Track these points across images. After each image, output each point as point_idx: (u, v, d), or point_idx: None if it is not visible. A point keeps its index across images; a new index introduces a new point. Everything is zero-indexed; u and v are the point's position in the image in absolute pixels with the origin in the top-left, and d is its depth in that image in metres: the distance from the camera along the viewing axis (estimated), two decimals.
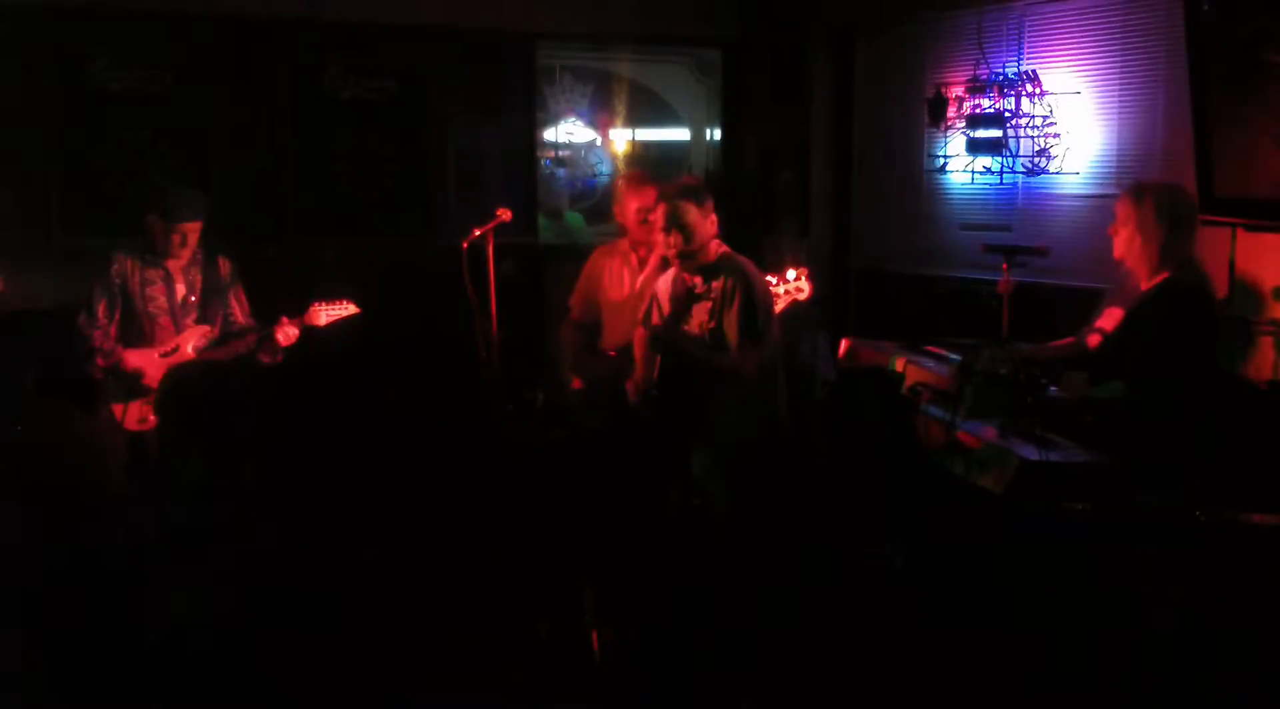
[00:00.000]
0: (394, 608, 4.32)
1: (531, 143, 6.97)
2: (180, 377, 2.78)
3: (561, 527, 4.53)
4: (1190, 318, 3.74)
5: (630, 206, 4.84)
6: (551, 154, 7.28)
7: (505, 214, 4.70)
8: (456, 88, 6.66)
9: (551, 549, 4.52)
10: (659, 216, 4.31)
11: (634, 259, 4.90)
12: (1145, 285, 3.85)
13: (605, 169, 7.42)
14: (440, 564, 4.79)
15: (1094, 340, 3.96)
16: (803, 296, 4.36)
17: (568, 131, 7.30)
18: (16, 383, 4.90)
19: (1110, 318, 3.93)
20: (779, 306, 4.36)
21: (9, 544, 2.76)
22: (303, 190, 6.42)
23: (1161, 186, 3.89)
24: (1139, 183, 3.96)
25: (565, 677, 3.97)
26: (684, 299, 4.37)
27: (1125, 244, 3.87)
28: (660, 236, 4.31)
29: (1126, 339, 3.81)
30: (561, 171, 7.34)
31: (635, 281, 4.85)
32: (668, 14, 7.03)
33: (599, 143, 7.40)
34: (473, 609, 4.43)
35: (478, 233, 4.69)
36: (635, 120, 7.42)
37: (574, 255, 7.11)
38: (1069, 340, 4.05)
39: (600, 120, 7.37)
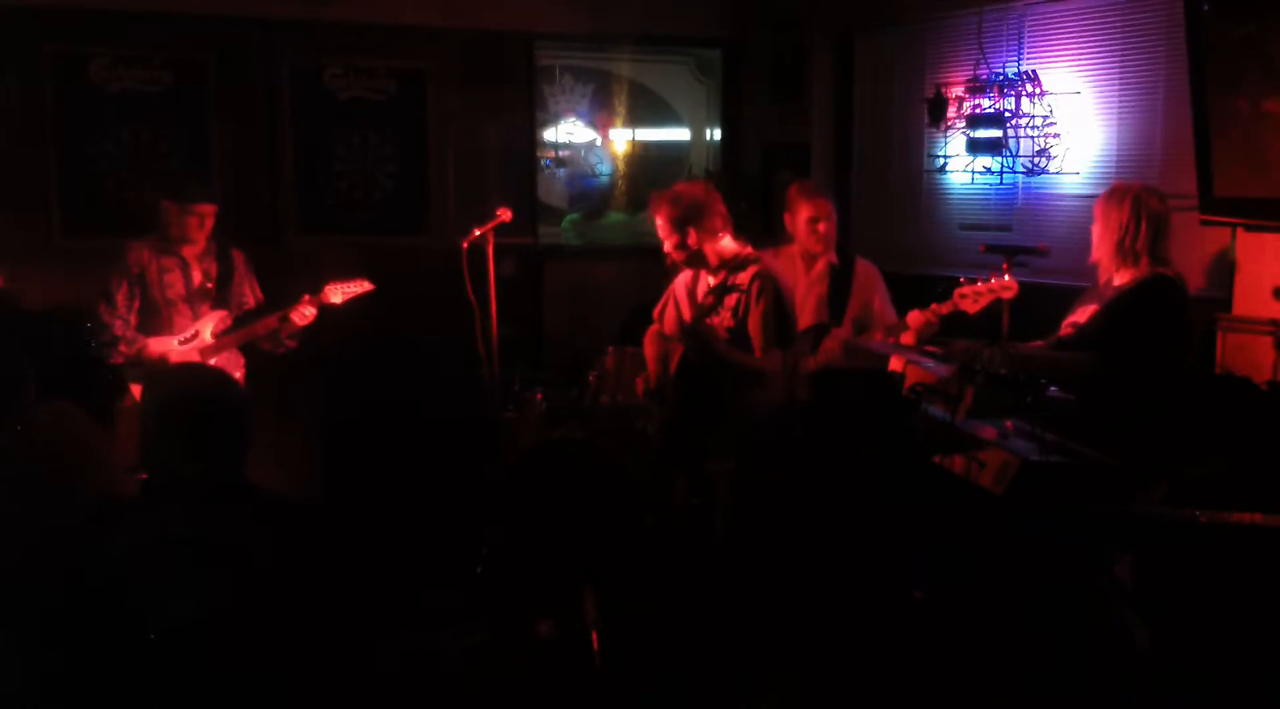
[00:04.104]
0: (393, 609, 4.32)
1: (531, 143, 6.97)
2: (164, 380, 2.78)
3: (560, 527, 4.53)
4: (1167, 308, 3.82)
5: (801, 217, 4.87)
6: (551, 154, 7.28)
7: (505, 214, 4.71)
8: (456, 88, 6.66)
9: (551, 549, 4.52)
10: (827, 225, 4.82)
11: (801, 264, 4.90)
12: (1119, 282, 3.91)
13: (605, 169, 7.43)
14: (440, 564, 4.79)
15: (1065, 332, 4.01)
16: (1008, 295, 4.15)
17: (568, 131, 7.30)
18: (17, 382, 4.90)
19: (1084, 314, 3.98)
20: (981, 304, 4.24)
21: (8, 544, 2.76)
22: (303, 190, 6.42)
23: (1136, 188, 3.94)
24: (1115, 185, 4.03)
25: (565, 677, 3.97)
26: (713, 296, 4.35)
27: (1098, 242, 3.94)
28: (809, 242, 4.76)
29: (1102, 330, 3.86)
30: (561, 171, 7.34)
31: (804, 285, 4.86)
32: (668, 14, 7.03)
33: (599, 143, 7.40)
34: (473, 609, 4.43)
35: (478, 233, 4.70)
36: (635, 120, 7.42)
37: (574, 255, 7.16)
38: (1039, 344, 4.07)
39: (600, 120, 7.37)
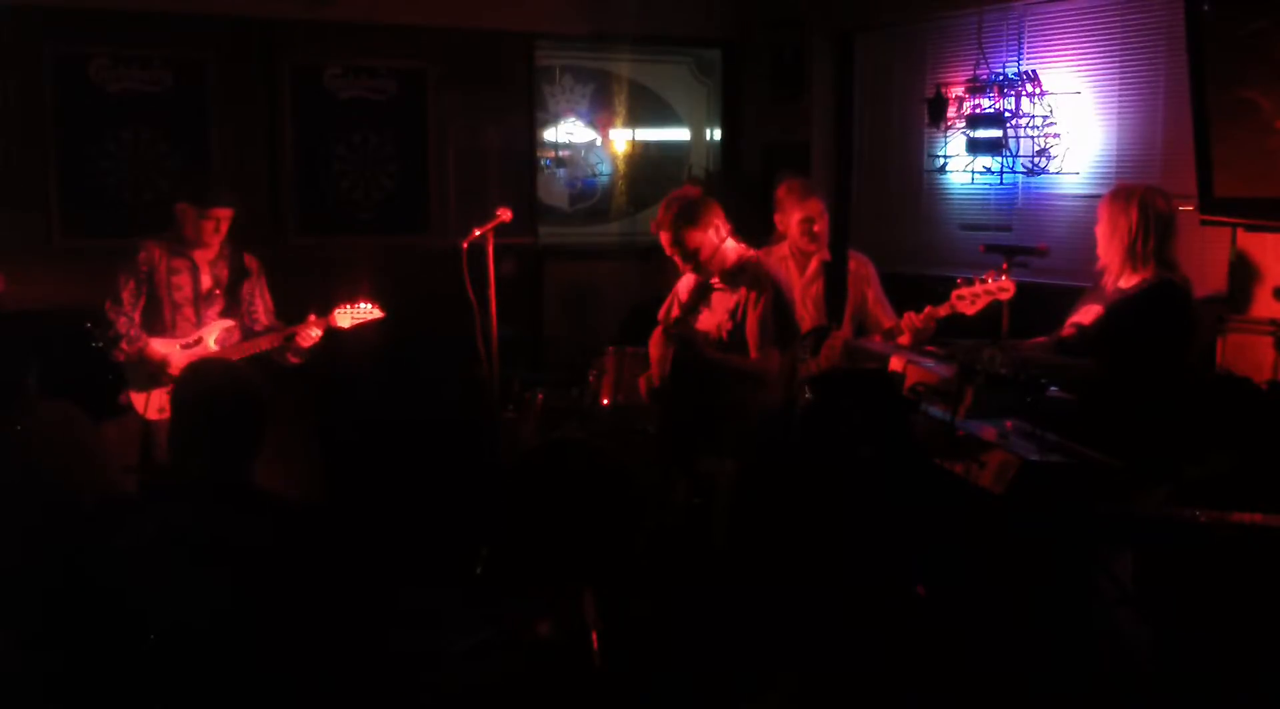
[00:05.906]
0: (393, 609, 4.32)
1: (531, 143, 6.97)
2: (200, 371, 2.78)
3: (561, 527, 4.53)
4: (1172, 314, 3.82)
5: (793, 218, 4.87)
6: (551, 154, 7.28)
7: (505, 214, 4.71)
8: (456, 88, 6.66)
9: (551, 549, 4.52)
10: (821, 225, 4.81)
11: (794, 263, 4.90)
12: (1125, 284, 3.91)
13: (605, 169, 7.42)
14: (440, 565, 4.79)
15: (1068, 332, 4.01)
16: (1005, 296, 4.18)
17: (568, 131, 7.30)
18: (17, 383, 4.90)
19: (1088, 314, 3.98)
20: (978, 306, 4.25)
21: (8, 544, 2.76)
22: (303, 190, 6.42)
23: (1141, 189, 3.94)
24: (1120, 186, 4.03)
25: (565, 677, 3.97)
26: (695, 296, 4.39)
27: (1105, 244, 3.94)
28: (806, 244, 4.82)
29: (1105, 334, 3.86)
30: (561, 171, 7.34)
31: (800, 284, 4.86)
32: (668, 14, 7.03)
33: (599, 143, 7.40)
34: (473, 609, 4.43)
35: (478, 233, 4.70)
36: (635, 120, 7.42)
37: (574, 255, 7.16)
38: (1042, 340, 4.08)
39: (600, 120, 7.37)
